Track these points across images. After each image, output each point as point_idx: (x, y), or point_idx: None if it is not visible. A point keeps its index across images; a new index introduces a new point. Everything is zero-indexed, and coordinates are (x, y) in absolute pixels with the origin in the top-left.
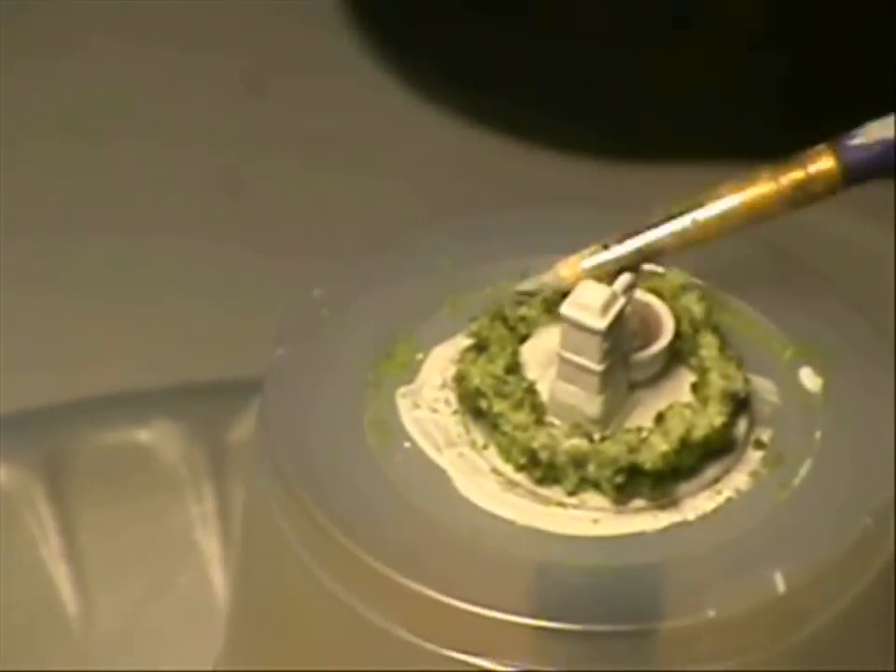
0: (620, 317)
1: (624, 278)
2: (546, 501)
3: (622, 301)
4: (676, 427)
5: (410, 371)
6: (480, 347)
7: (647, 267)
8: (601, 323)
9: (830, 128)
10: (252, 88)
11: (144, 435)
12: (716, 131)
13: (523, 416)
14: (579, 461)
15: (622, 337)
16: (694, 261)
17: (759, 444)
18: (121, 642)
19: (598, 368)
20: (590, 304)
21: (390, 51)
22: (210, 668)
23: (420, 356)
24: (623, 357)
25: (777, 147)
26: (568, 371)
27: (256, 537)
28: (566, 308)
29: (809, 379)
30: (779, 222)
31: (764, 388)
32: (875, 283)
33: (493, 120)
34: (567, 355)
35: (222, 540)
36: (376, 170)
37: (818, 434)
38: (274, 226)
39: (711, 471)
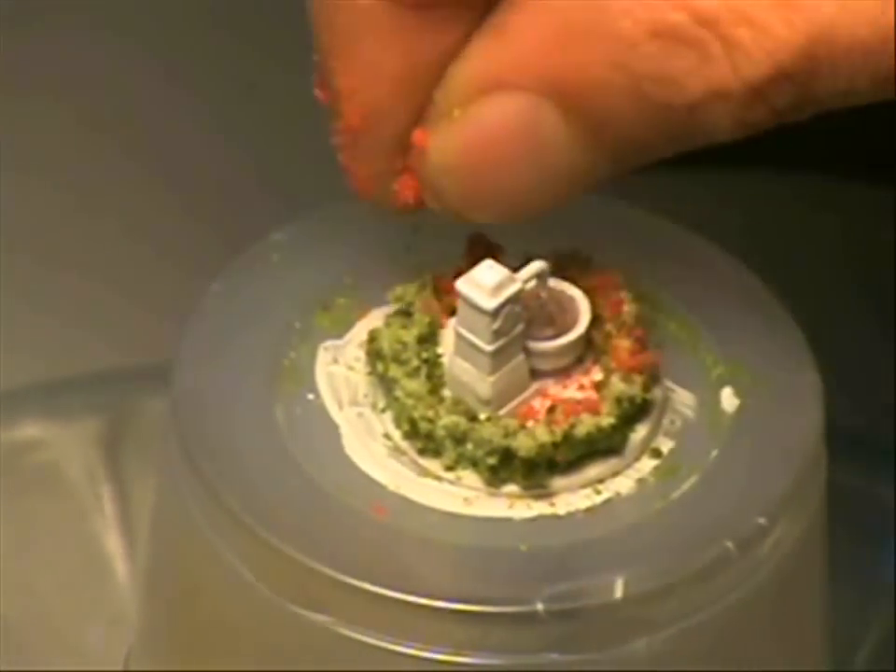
0: (514, 301)
1: (534, 266)
2: (425, 473)
3: (517, 284)
4: (561, 421)
5: (342, 327)
6: (406, 313)
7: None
8: (490, 303)
9: (822, 132)
10: (246, 87)
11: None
12: None
13: (416, 385)
14: (457, 438)
15: (518, 321)
16: (657, 267)
17: (656, 453)
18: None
19: (489, 348)
20: (483, 283)
21: None
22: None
23: (358, 313)
24: (523, 343)
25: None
26: (464, 347)
27: (163, 511)
28: (460, 283)
29: (728, 399)
30: (777, 225)
31: (684, 401)
32: (874, 287)
33: None
34: (462, 331)
35: (124, 534)
36: None
37: (714, 453)
38: (265, 227)
39: (595, 471)
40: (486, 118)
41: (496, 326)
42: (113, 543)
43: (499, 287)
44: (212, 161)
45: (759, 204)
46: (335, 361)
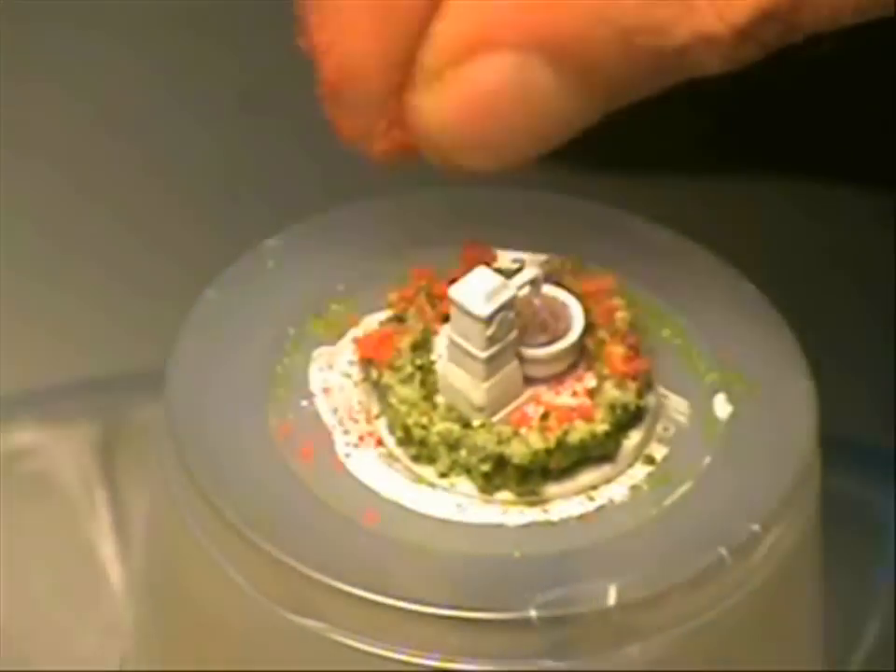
0: (508, 307)
1: (527, 272)
2: (418, 479)
3: (510, 290)
4: (554, 427)
5: (336, 334)
6: (400, 319)
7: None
8: (484, 310)
9: (816, 136)
10: (246, 101)
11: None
12: (708, 136)
13: (409, 392)
14: (451, 444)
15: (512, 328)
16: (650, 273)
17: (649, 460)
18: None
19: (482, 355)
20: (476, 290)
21: None
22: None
23: (352, 320)
24: (516, 350)
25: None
26: (457, 354)
27: (157, 517)
28: (453, 290)
29: (722, 405)
30: (777, 226)
31: (677, 408)
32: (873, 288)
33: None
34: (456, 338)
35: (118, 540)
36: (366, 174)
37: (707, 460)
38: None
39: (589, 477)
40: (477, 78)
41: (489, 332)
42: (107, 549)
43: (493, 294)
44: (210, 167)
45: (752, 209)
46: (329, 368)
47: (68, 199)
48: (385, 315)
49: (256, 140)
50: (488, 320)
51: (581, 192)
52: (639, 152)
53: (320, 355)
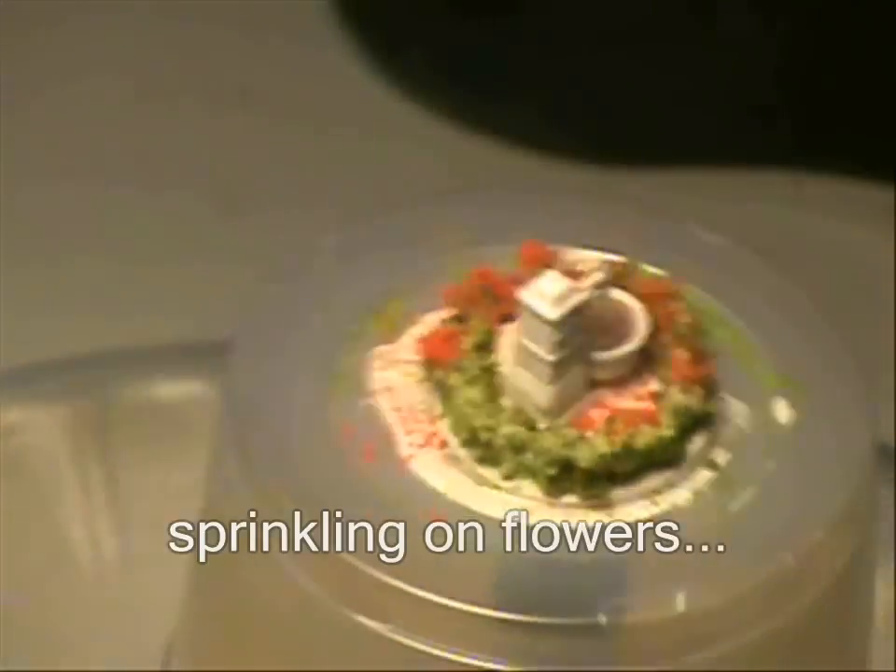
0: (578, 311)
1: (596, 275)
2: (483, 481)
3: (581, 295)
4: (620, 431)
5: (396, 332)
6: (460, 318)
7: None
8: (554, 313)
9: (823, 132)
10: (243, 92)
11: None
12: (709, 135)
13: (475, 393)
14: (517, 447)
15: (579, 331)
16: (706, 277)
17: (712, 465)
18: None
19: (550, 358)
20: (546, 293)
21: (380, 55)
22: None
23: (412, 318)
24: (582, 353)
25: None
26: (525, 357)
27: (215, 512)
28: (524, 294)
29: (782, 410)
30: (777, 225)
31: (737, 412)
32: (874, 287)
33: (484, 124)
34: (524, 341)
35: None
36: (367, 172)
37: (771, 465)
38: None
39: (653, 482)
40: None
41: (558, 336)
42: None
43: (563, 298)
44: (210, 161)
45: (753, 203)
46: (389, 366)
47: (66, 185)
48: (444, 313)
49: (255, 135)
50: (558, 324)
51: (619, 192)
52: (658, 147)
53: (380, 353)
